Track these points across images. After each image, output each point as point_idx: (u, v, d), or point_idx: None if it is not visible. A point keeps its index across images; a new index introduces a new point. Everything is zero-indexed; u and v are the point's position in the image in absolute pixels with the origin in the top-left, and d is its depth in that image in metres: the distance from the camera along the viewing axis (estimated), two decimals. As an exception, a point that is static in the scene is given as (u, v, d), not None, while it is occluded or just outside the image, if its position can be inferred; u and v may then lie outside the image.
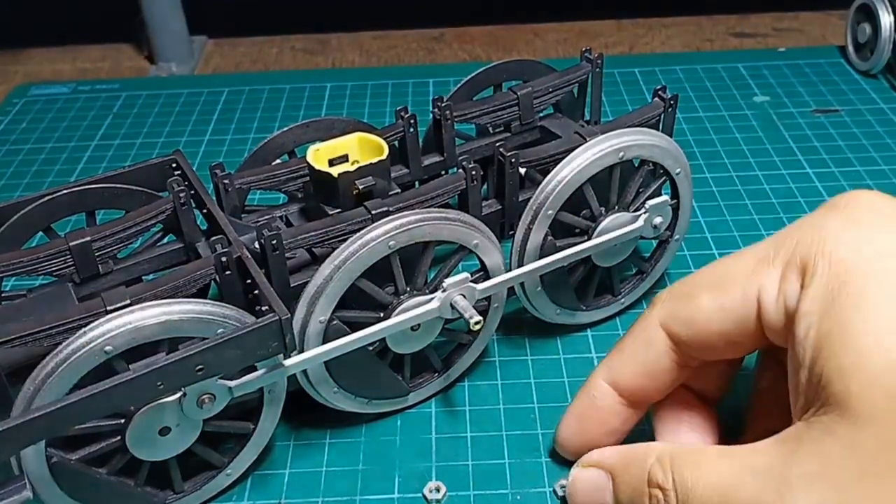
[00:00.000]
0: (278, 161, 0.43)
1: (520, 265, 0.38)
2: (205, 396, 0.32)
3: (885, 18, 0.64)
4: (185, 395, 0.31)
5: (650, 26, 0.81)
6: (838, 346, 0.26)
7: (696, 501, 0.28)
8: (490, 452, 0.38)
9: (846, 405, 0.25)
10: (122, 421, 0.32)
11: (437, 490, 0.36)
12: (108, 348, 0.30)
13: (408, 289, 0.36)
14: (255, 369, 0.33)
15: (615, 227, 0.40)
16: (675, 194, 0.42)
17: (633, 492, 0.31)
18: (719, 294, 0.31)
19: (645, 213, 0.40)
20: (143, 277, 0.38)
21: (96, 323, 0.30)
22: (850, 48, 0.68)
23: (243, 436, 0.35)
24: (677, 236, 0.43)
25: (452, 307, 0.36)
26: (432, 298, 0.36)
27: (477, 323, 0.35)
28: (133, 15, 0.77)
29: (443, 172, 0.44)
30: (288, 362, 0.33)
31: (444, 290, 0.36)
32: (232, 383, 0.32)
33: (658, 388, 0.34)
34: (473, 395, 0.40)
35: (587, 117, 0.47)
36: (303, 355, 0.34)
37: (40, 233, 0.38)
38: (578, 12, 0.83)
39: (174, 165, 0.40)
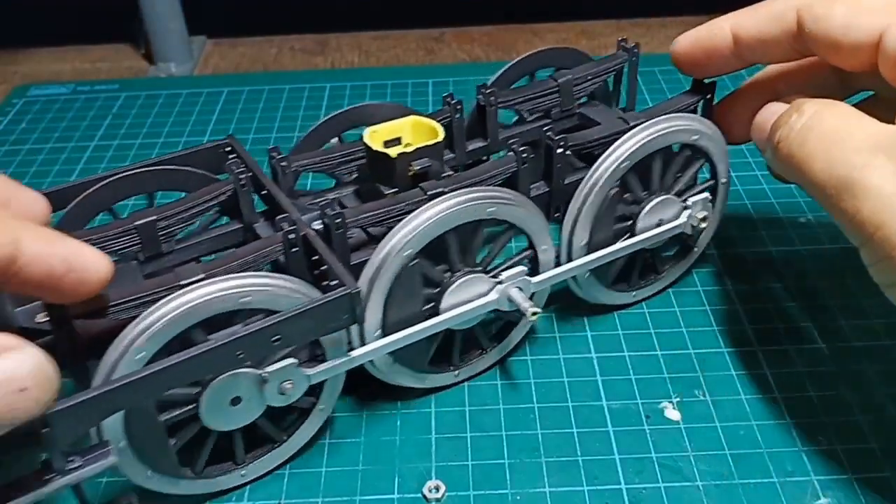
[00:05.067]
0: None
1: (570, 247, 0.40)
2: (286, 383, 0.33)
3: (885, 18, 0.64)
4: (266, 381, 0.33)
5: (650, 26, 0.81)
6: None
7: (814, 135, 0.32)
8: (490, 452, 0.38)
9: None
10: (198, 391, 0.32)
11: (437, 490, 0.36)
12: (189, 318, 0.31)
13: (461, 267, 0.37)
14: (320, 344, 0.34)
15: (661, 211, 0.42)
16: (713, 175, 0.44)
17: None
18: (854, 12, 0.33)
19: (691, 200, 0.42)
20: (201, 259, 0.39)
21: (174, 295, 0.31)
22: (850, 48, 0.68)
23: (306, 410, 0.37)
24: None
25: (510, 300, 0.38)
26: (490, 291, 0.38)
27: (535, 314, 0.37)
28: (132, 15, 0.76)
29: (484, 158, 0.45)
30: (358, 352, 0.35)
31: (501, 283, 0.37)
32: (310, 371, 0.34)
33: (764, 58, 0.39)
34: (473, 394, 0.41)
35: (622, 105, 0.48)
36: (376, 343, 0.36)
37: (101, 214, 0.38)
38: (578, 12, 0.83)
39: (228, 149, 0.41)
